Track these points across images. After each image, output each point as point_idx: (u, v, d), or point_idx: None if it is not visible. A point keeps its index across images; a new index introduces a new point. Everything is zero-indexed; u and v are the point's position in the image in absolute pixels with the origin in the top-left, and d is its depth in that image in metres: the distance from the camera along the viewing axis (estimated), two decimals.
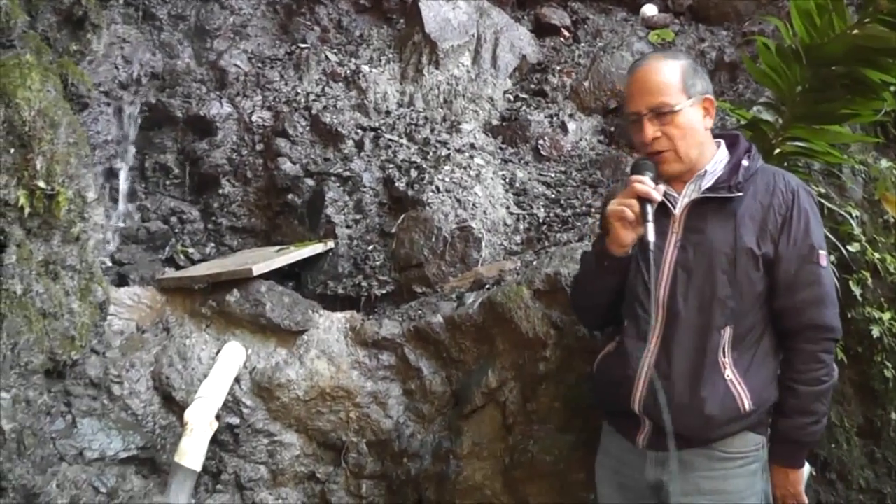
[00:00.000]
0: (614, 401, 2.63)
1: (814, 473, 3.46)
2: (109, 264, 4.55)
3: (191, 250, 4.75)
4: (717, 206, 2.52)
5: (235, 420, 3.61)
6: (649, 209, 2.40)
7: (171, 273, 4.32)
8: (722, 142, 2.70)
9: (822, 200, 3.49)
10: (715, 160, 2.63)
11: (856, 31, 3.06)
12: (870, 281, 3.53)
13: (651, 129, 2.52)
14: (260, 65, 5.59)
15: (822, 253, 2.57)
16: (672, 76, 2.56)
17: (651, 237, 2.38)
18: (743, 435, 2.53)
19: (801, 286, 2.52)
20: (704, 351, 2.47)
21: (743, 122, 3.51)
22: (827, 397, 2.57)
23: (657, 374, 2.44)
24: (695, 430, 2.46)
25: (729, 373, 2.46)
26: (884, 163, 3.70)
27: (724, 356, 2.47)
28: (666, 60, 2.64)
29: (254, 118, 5.15)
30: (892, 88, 3.26)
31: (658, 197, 2.42)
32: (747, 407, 2.46)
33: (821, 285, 2.55)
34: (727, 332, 2.47)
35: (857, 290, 3.50)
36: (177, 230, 4.87)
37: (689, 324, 2.48)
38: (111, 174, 5.04)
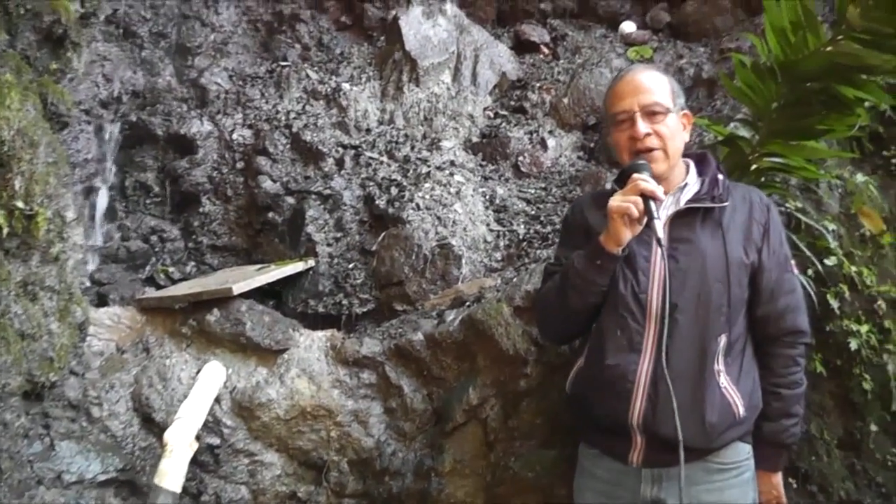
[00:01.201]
0: (606, 418, 2.56)
1: (794, 486, 3.49)
2: (89, 284, 4.53)
3: (171, 269, 4.74)
4: (703, 217, 2.55)
5: (216, 440, 3.59)
6: (654, 207, 2.37)
7: (151, 293, 4.32)
8: (689, 161, 2.74)
9: (799, 215, 3.51)
10: (691, 174, 2.69)
11: (830, 48, 3.07)
12: (847, 294, 3.55)
13: (644, 126, 2.54)
14: (241, 83, 5.61)
15: (793, 262, 2.71)
16: (662, 83, 2.63)
17: (661, 234, 2.36)
18: (735, 445, 2.57)
19: (781, 293, 2.62)
20: (702, 359, 2.48)
21: (720, 137, 3.52)
22: (804, 399, 2.68)
23: (653, 385, 2.44)
24: (697, 440, 2.46)
25: (723, 380, 2.49)
26: (860, 177, 3.72)
27: (718, 364, 2.50)
28: (655, 70, 2.73)
29: (234, 136, 5.16)
30: (866, 104, 3.30)
31: (662, 196, 2.42)
32: (741, 413, 2.50)
33: (796, 292, 2.69)
34: (722, 341, 2.50)
35: (834, 304, 3.51)
36: (157, 249, 4.86)
37: (686, 333, 2.47)
38: (91, 193, 5.02)
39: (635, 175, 2.42)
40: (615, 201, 2.40)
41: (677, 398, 2.39)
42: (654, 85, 2.60)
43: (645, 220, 2.38)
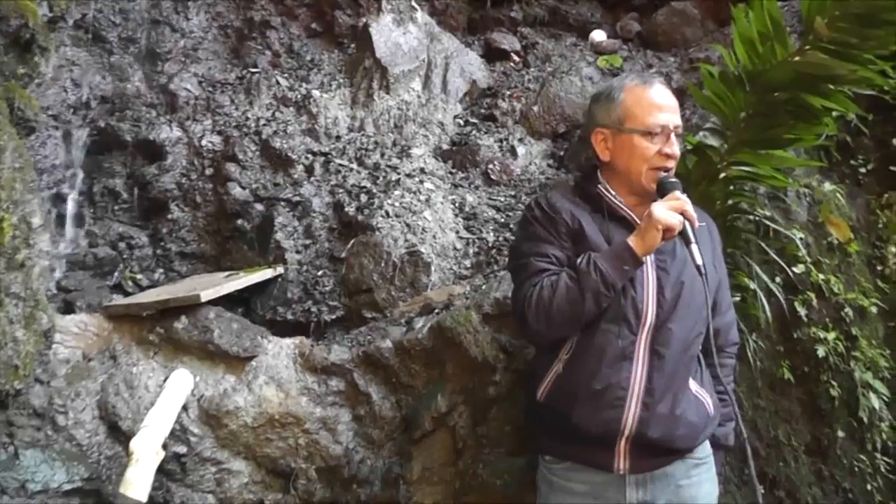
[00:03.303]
0: (591, 428, 2.52)
1: (762, 492, 3.52)
2: (55, 291, 4.49)
3: (139, 276, 4.71)
4: (679, 233, 2.56)
5: (182, 449, 3.56)
6: (690, 230, 2.39)
7: (118, 300, 4.28)
8: None
9: (768, 223, 3.55)
10: None
11: (797, 59, 3.10)
12: (815, 302, 3.60)
13: (678, 148, 2.57)
14: (210, 89, 5.59)
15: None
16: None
17: (700, 260, 2.36)
18: (706, 441, 2.66)
19: (726, 308, 2.81)
20: (686, 366, 2.56)
21: (689, 147, 3.54)
22: None
23: (648, 392, 2.47)
24: (685, 441, 2.53)
25: (693, 384, 2.58)
26: (827, 186, 3.76)
27: (693, 370, 2.60)
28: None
29: (204, 143, 5.14)
30: (833, 114, 3.34)
31: (697, 223, 2.43)
32: (712, 411, 2.61)
33: (733, 307, 2.88)
34: (699, 348, 2.61)
35: (802, 311, 3.56)
36: (125, 256, 4.82)
37: (678, 341, 2.52)
38: (59, 199, 4.97)
39: (679, 194, 2.43)
40: (663, 214, 2.37)
41: (666, 403, 2.49)
42: (677, 106, 2.64)
43: (675, 238, 2.41)
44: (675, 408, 2.49)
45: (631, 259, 2.43)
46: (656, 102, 2.61)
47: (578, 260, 2.52)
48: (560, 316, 2.52)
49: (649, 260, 2.52)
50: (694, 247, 2.37)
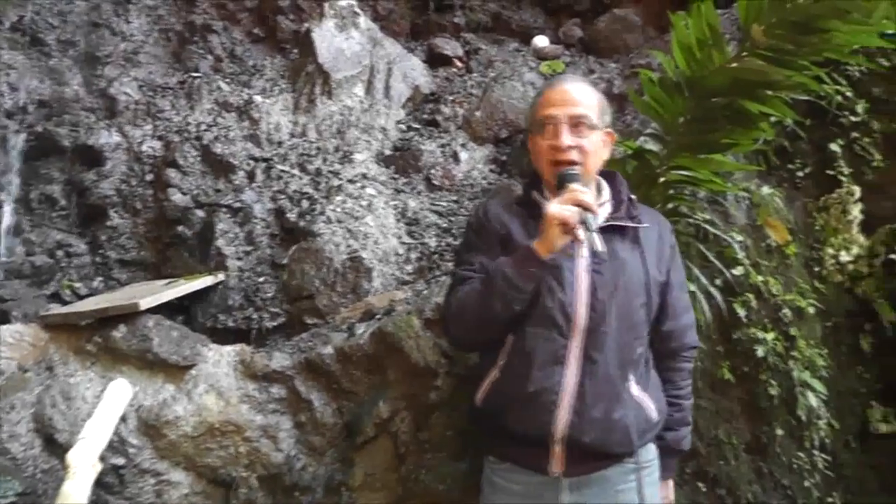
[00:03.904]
0: (525, 431, 2.56)
1: (704, 490, 3.57)
2: None
3: (77, 285, 4.63)
4: (622, 234, 2.61)
5: (121, 460, 3.51)
6: (591, 219, 2.38)
7: (56, 309, 4.21)
8: (600, 178, 2.78)
9: (707, 226, 3.60)
10: (605, 191, 2.74)
11: (735, 65, 3.16)
12: (754, 303, 3.66)
13: (568, 138, 2.56)
14: (151, 93, 5.52)
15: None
16: (593, 99, 2.65)
17: (601, 247, 2.36)
18: (647, 445, 2.66)
19: (682, 311, 2.78)
20: (624, 370, 2.55)
21: (629, 151, 3.58)
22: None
23: (579, 396, 2.48)
24: (619, 446, 2.53)
25: (635, 389, 2.57)
26: (765, 189, 3.82)
27: (632, 374, 2.57)
28: (588, 84, 2.76)
29: (143, 148, 5.08)
30: (771, 119, 3.40)
31: (597, 209, 2.45)
32: (655, 417, 2.61)
33: (691, 310, 2.86)
34: (637, 352, 2.59)
35: (741, 312, 3.62)
36: (63, 264, 4.73)
37: (612, 345, 2.52)
38: None
39: (572, 185, 2.43)
40: (555, 209, 2.39)
41: (600, 407, 2.49)
42: (584, 98, 2.62)
43: (579, 230, 2.37)
44: (610, 413, 2.49)
45: (534, 260, 2.45)
46: (548, 98, 2.66)
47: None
48: (474, 320, 2.59)
49: (583, 262, 2.53)
50: (594, 235, 2.36)
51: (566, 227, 2.37)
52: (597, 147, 2.62)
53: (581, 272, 2.54)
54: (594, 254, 2.50)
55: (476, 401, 2.73)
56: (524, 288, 2.48)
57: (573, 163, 2.55)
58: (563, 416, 2.48)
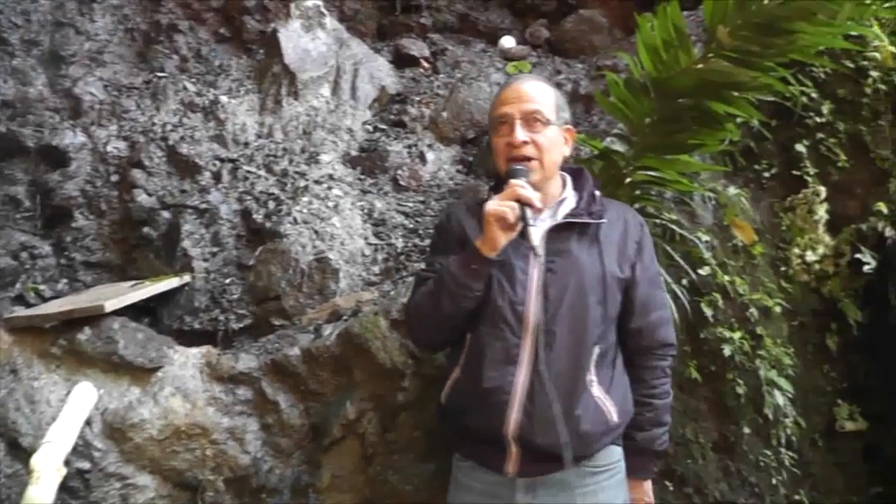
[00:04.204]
0: (481, 430, 2.58)
1: (671, 489, 3.59)
2: None
3: (42, 287, 4.58)
4: (580, 231, 2.61)
5: (86, 464, 3.47)
6: (529, 214, 2.39)
7: (20, 312, 4.17)
8: (566, 175, 2.79)
9: (674, 227, 3.62)
10: (569, 188, 2.74)
11: (701, 66, 3.18)
12: (720, 302, 3.68)
13: (522, 133, 2.57)
14: (116, 93, 5.47)
15: (661, 279, 2.88)
16: (548, 95, 2.67)
17: (536, 241, 2.39)
18: (608, 448, 2.64)
19: (654, 308, 2.73)
20: (577, 370, 2.52)
21: (596, 152, 3.60)
22: (671, 407, 2.80)
23: (529, 397, 2.47)
24: (574, 448, 2.50)
25: (596, 390, 2.54)
26: (732, 190, 3.84)
27: (591, 374, 2.54)
28: (542, 82, 2.77)
29: (109, 148, 5.03)
30: (737, 120, 3.43)
31: (538, 203, 2.44)
32: (615, 419, 2.57)
33: (666, 307, 2.84)
34: (595, 351, 2.55)
35: (708, 312, 3.64)
36: (27, 266, 4.67)
37: (563, 345, 2.51)
38: None
39: (513, 181, 2.44)
40: (491, 205, 2.42)
41: (553, 408, 2.46)
42: (538, 95, 2.64)
43: (520, 226, 2.39)
44: (563, 413, 2.48)
45: (477, 257, 2.47)
46: (503, 97, 2.69)
47: None
48: (428, 320, 2.65)
49: (538, 261, 2.54)
50: (532, 231, 2.38)
51: (504, 223, 2.40)
52: (553, 143, 2.63)
53: (533, 271, 2.56)
54: (549, 252, 2.55)
55: (441, 399, 2.76)
56: (471, 286, 2.51)
57: (529, 158, 2.58)
58: (514, 416, 2.49)
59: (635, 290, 2.69)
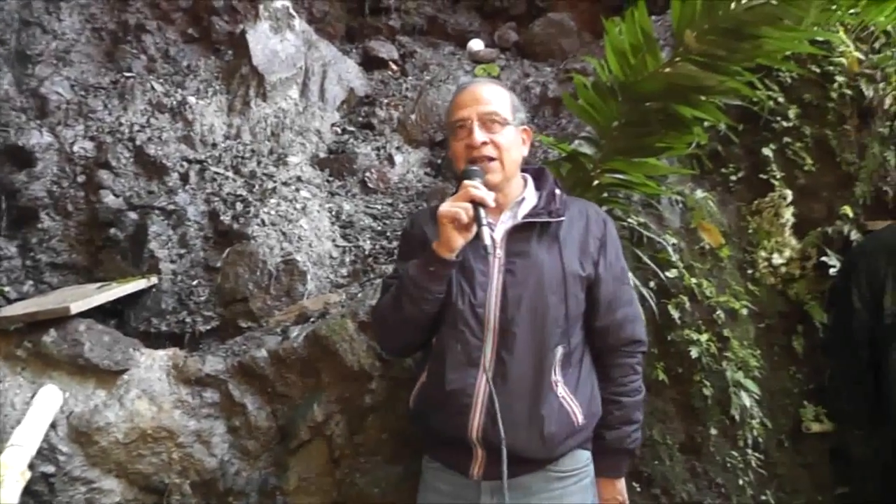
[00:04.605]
0: (446, 432, 2.59)
1: (639, 490, 3.61)
2: None
3: (7, 289, 4.53)
4: (540, 231, 2.61)
5: (50, 468, 3.43)
6: (483, 213, 2.40)
7: None
8: (528, 175, 2.81)
9: (641, 230, 3.64)
10: (529, 189, 2.76)
11: (668, 70, 3.21)
12: (688, 305, 3.69)
13: (480, 135, 2.58)
14: (83, 93, 5.43)
15: (629, 274, 2.87)
16: (503, 97, 2.68)
17: (488, 241, 2.38)
18: (574, 453, 2.63)
19: (619, 305, 2.72)
20: (540, 371, 2.52)
21: (563, 154, 3.61)
22: (642, 406, 2.78)
23: (491, 399, 2.44)
24: (536, 451, 2.52)
25: (561, 390, 2.55)
26: (699, 193, 3.86)
27: (556, 375, 2.55)
28: (497, 84, 2.78)
29: (75, 149, 4.98)
30: (704, 124, 3.45)
31: (491, 203, 2.44)
32: (580, 421, 2.57)
33: (634, 303, 2.83)
34: (559, 352, 2.55)
35: (675, 314, 3.65)
36: None
37: (524, 346, 2.51)
38: None
39: (466, 182, 2.45)
40: (444, 207, 2.43)
41: (515, 411, 2.47)
42: (493, 97, 2.65)
43: (475, 227, 2.40)
44: (526, 416, 2.50)
45: (435, 259, 2.48)
46: (458, 101, 2.70)
47: None
48: (391, 324, 2.66)
49: (497, 262, 2.55)
50: (484, 230, 2.39)
51: (458, 224, 2.41)
52: (512, 143, 2.65)
53: (495, 273, 2.56)
54: (508, 253, 2.56)
55: (409, 402, 2.78)
56: (430, 288, 2.51)
57: (491, 158, 2.59)
58: (477, 419, 2.50)
59: (599, 288, 2.68)
